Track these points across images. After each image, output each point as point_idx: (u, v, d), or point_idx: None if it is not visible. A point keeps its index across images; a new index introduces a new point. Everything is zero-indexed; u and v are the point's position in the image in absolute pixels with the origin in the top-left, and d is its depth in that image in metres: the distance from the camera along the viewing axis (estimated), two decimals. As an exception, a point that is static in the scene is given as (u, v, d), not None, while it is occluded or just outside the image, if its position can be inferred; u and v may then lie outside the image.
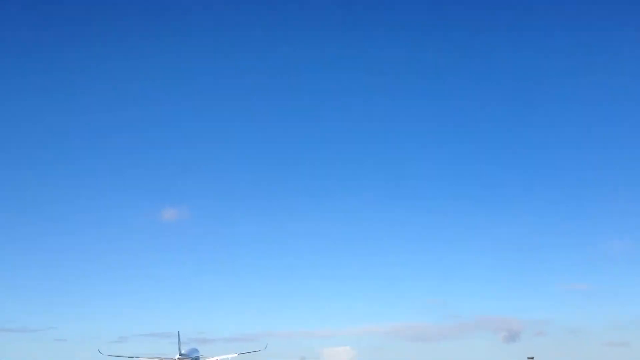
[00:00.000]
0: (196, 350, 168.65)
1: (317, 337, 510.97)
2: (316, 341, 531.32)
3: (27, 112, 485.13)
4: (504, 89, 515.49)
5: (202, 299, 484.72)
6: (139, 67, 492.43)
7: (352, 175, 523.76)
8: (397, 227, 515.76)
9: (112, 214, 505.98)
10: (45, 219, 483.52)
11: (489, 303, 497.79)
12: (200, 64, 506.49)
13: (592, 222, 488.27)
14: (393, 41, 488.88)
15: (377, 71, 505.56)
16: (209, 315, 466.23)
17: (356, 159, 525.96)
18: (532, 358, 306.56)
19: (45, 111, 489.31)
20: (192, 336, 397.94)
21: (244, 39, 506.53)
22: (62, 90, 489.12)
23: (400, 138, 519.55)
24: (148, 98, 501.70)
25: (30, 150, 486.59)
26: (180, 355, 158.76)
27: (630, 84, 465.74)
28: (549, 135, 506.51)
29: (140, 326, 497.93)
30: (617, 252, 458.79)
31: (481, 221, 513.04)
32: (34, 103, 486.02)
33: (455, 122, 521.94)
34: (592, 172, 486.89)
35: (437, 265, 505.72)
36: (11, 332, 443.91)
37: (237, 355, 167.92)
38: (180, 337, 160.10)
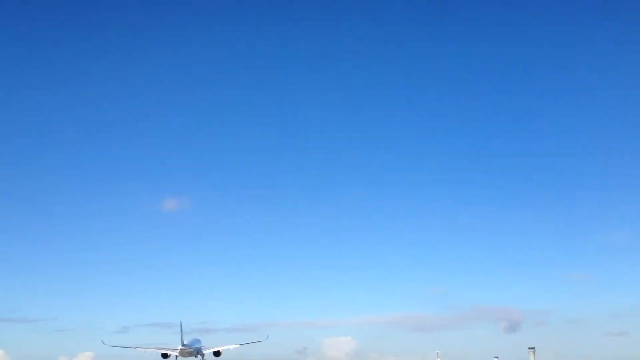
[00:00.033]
0: (198, 341, 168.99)
1: (318, 327, 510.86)
2: (317, 331, 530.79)
3: (31, 104, 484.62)
4: (505, 82, 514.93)
5: (204, 289, 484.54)
6: (142, 60, 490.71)
7: (353, 168, 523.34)
8: (397, 218, 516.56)
9: (113, 205, 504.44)
10: (47, 211, 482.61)
11: (490, 293, 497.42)
12: (201, 57, 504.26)
13: (592, 213, 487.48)
14: (391, 36, 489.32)
15: (378, 66, 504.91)
16: (211, 306, 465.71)
17: (356, 151, 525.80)
18: (533, 348, 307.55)
19: (49, 103, 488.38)
20: (194, 326, 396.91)
21: (245, 34, 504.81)
22: (65, 82, 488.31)
23: (400, 131, 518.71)
24: (149, 91, 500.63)
25: (32, 141, 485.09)
26: (182, 345, 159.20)
27: (631, 77, 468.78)
28: (549, 126, 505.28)
29: (142, 316, 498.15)
30: (617, 242, 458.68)
31: (482, 212, 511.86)
32: (39, 95, 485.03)
33: (455, 114, 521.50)
34: (592, 164, 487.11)
35: (437, 256, 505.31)
36: (13, 322, 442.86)
37: (238, 345, 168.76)
38: (182, 327, 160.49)
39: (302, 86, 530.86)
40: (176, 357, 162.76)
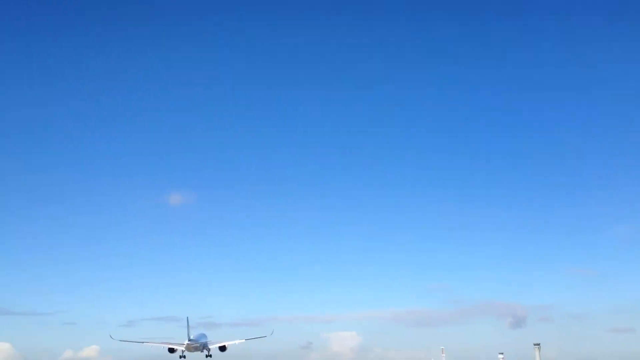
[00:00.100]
0: (204, 336, 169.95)
1: (322, 322, 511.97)
2: (321, 326, 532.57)
3: (37, 99, 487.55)
4: (507, 81, 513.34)
5: (208, 284, 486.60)
6: (145, 56, 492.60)
7: (355, 163, 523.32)
8: (401, 214, 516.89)
9: (118, 200, 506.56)
10: (53, 206, 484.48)
11: (494, 289, 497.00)
12: (204, 53, 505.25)
13: (597, 208, 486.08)
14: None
15: (383, 62, 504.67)
16: (215, 300, 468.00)
17: (358, 147, 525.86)
18: (538, 344, 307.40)
19: (55, 98, 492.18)
20: (198, 321, 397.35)
21: (249, 32, 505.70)
22: (69, 78, 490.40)
23: (403, 126, 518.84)
24: (155, 88, 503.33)
25: (35, 136, 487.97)
26: (189, 340, 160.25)
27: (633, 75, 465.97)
28: (553, 122, 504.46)
29: (147, 310, 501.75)
30: (622, 237, 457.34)
31: (486, 208, 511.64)
32: (43, 89, 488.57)
33: (461, 108, 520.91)
34: (597, 159, 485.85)
35: (442, 252, 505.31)
36: (19, 315, 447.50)
37: (244, 340, 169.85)
38: (189, 322, 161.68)
39: (303, 83, 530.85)
40: (182, 351, 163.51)
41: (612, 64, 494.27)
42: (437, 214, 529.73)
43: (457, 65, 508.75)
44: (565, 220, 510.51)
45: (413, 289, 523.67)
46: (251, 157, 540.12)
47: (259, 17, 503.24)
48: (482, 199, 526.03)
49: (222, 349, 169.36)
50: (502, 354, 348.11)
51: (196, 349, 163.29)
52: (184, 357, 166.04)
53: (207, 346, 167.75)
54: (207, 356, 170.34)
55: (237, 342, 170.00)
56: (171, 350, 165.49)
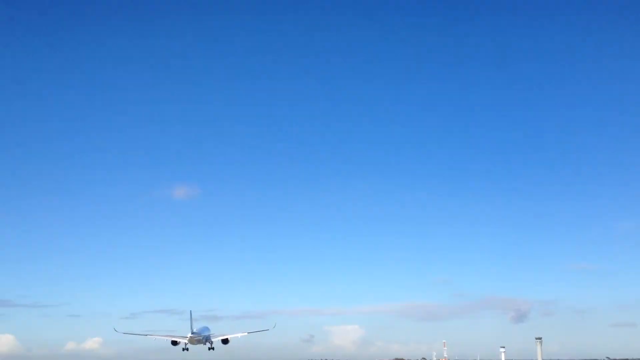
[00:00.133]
0: (207, 329, 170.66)
1: (325, 316, 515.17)
2: (324, 319, 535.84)
3: (40, 93, 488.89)
4: (511, 77, 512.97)
5: (211, 277, 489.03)
6: (150, 51, 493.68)
7: (361, 159, 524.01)
8: (405, 209, 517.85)
9: (123, 193, 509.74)
10: (58, 198, 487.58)
11: (497, 284, 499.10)
12: (211, 48, 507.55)
13: (601, 204, 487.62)
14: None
15: (388, 56, 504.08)
16: (218, 293, 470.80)
17: (361, 143, 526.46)
18: (540, 338, 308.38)
19: (64, 88, 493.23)
20: (201, 313, 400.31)
21: (250, 24, 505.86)
22: (74, 69, 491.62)
23: (408, 122, 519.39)
24: (159, 82, 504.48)
25: (41, 128, 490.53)
26: (192, 333, 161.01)
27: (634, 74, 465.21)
28: (558, 118, 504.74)
29: (150, 303, 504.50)
30: (625, 233, 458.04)
31: (489, 203, 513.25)
32: (55, 79, 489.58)
33: (464, 104, 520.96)
34: (601, 155, 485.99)
35: (445, 246, 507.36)
36: (23, 307, 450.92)
37: (246, 333, 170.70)
38: (192, 315, 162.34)
39: (311, 80, 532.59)
40: (185, 344, 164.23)
41: (618, 65, 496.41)
42: (440, 210, 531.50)
43: (460, 62, 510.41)
44: (569, 217, 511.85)
45: (416, 284, 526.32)
46: (255, 151, 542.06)
47: (261, 13, 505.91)
48: (486, 195, 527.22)
49: (225, 341, 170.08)
50: (503, 347, 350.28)
51: (199, 341, 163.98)
52: (187, 349, 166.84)
53: (209, 339, 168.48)
54: (209, 349, 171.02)
55: (239, 335, 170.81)
56: (174, 343, 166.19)
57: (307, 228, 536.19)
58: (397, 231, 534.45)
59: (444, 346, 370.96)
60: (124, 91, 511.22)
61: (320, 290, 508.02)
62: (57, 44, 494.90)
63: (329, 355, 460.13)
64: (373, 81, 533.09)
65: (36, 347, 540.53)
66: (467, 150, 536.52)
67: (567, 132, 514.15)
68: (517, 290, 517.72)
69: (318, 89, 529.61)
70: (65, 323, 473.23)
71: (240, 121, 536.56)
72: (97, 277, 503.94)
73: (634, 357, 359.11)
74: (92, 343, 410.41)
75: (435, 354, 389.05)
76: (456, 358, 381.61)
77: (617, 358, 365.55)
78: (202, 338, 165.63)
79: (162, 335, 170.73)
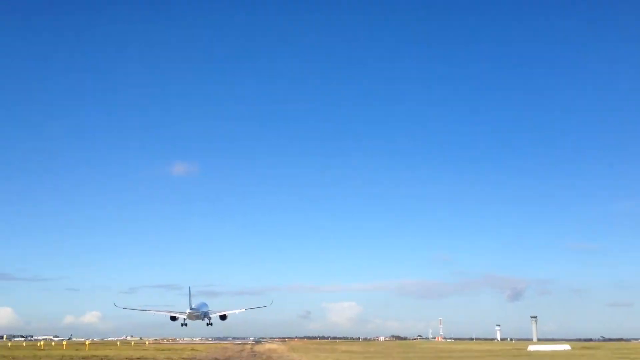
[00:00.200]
0: (205, 305, 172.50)
1: (323, 292, 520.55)
2: (322, 296, 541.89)
3: (38, 71, 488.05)
4: (510, 60, 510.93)
5: (210, 253, 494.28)
6: (150, 28, 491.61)
7: (360, 135, 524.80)
8: (405, 186, 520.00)
9: (122, 168, 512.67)
10: (58, 173, 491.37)
11: (494, 262, 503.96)
12: (211, 26, 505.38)
13: (599, 183, 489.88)
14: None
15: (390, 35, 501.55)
16: (216, 269, 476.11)
17: (360, 119, 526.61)
18: (535, 317, 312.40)
19: (63, 70, 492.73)
20: (199, 289, 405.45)
21: (249, 4, 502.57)
22: (81, 46, 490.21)
23: (408, 99, 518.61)
24: (159, 58, 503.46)
25: (41, 105, 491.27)
26: (191, 309, 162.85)
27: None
28: (559, 99, 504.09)
29: (149, 278, 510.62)
30: (624, 213, 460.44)
31: (488, 181, 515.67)
32: (57, 63, 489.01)
33: (466, 84, 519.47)
34: (601, 134, 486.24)
35: (443, 224, 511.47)
36: (22, 280, 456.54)
37: (244, 310, 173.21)
38: (190, 291, 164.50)
39: (305, 55, 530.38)
40: (184, 319, 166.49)
41: (615, 48, 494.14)
42: (439, 187, 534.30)
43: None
44: (567, 196, 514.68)
45: (413, 262, 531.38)
46: (254, 127, 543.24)
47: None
48: (484, 174, 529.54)
49: (223, 317, 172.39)
50: (499, 326, 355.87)
51: (197, 317, 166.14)
52: (186, 325, 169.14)
53: (208, 315, 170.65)
54: (208, 324, 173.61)
55: (237, 311, 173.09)
56: (173, 319, 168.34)
57: (305, 205, 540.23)
58: (395, 209, 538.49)
59: (440, 324, 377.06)
60: (123, 68, 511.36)
61: (317, 267, 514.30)
62: (57, 18, 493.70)
63: (326, 331, 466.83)
64: (369, 58, 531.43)
65: (35, 320, 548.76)
66: (467, 129, 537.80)
67: (566, 111, 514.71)
68: (514, 268, 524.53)
69: (318, 70, 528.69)
70: (64, 297, 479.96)
71: (239, 98, 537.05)
72: (96, 252, 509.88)
73: (630, 337, 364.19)
74: (91, 317, 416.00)
75: (431, 331, 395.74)
76: (452, 336, 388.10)
77: (613, 338, 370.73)
78: (200, 314, 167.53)
79: (161, 311, 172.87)
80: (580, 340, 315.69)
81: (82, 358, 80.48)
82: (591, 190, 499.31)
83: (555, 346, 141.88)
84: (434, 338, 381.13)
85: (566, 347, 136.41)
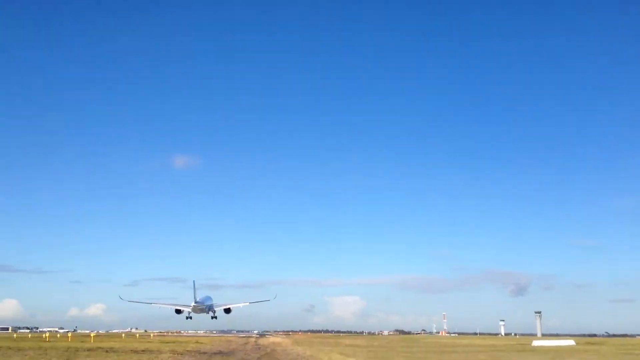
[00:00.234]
0: (210, 298, 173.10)
1: (327, 287, 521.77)
2: (325, 290, 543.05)
3: (44, 62, 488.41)
4: (517, 54, 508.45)
5: (213, 246, 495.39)
6: (154, 21, 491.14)
7: (362, 130, 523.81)
8: (407, 181, 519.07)
9: (125, 161, 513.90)
10: (62, 165, 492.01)
11: (497, 257, 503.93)
12: (213, 17, 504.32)
13: (602, 180, 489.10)
14: None
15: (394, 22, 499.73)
16: (220, 262, 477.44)
17: (363, 113, 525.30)
18: (540, 312, 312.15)
19: (67, 62, 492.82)
20: (202, 282, 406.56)
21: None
22: (84, 39, 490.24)
23: (412, 93, 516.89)
24: (163, 51, 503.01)
25: (45, 97, 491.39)
26: (195, 302, 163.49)
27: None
28: (559, 95, 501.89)
29: (152, 271, 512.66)
30: (625, 210, 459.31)
31: (490, 177, 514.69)
32: (58, 54, 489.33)
33: (467, 82, 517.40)
34: (603, 130, 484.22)
35: (446, 220, 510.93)
36: (27, 273, 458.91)
37: (248, 303, 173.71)
38: (195, 285, 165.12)
39: (312, 51, 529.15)
40: (189, 312, 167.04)
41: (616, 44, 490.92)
42: (441, 183, 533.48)
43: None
44: (570, 191, 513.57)
45: (417, 257, 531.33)
46: (257, 121, 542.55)
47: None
48: (487, 169, 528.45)
49: (227, 311, 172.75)
50: (503, 321, 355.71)
51: (202, 310, 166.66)
52: (191, 318, 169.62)
53: (212, 308, 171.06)
54: (212, 317, 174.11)
55: (241, 305, 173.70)
56: (178, 312, 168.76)
57: (308, 199, 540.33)
58: (398, 204, 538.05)
59: (444, 319, 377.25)
60: (124, 61, 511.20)
61: (321, 262, 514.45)
62: (57, 8, 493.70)
63: (329, 325, 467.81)
64: (369, 49, 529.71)
65: (40, 312, 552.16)
66: (469, 125, 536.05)
67: (568, 107, 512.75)
68: (517, 264, 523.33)
69: (320, 62, 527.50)
70: (69, 289, 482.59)
71: (241, 91, 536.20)
72: (99, 245, 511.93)
73: (633, 333, 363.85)
74: (95, 309, 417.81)
75: (435, 326, 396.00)
76: (456, 330, 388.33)
77: (617, 333, 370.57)
78: (205, 307, 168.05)
79: (166, 304, 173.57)
80: (584, 335, 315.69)
81: (88, 350, 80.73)
82: (594, 186, 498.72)
83: (559, 341, 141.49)
84: (438, 333, 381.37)
85: (571, 342, 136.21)
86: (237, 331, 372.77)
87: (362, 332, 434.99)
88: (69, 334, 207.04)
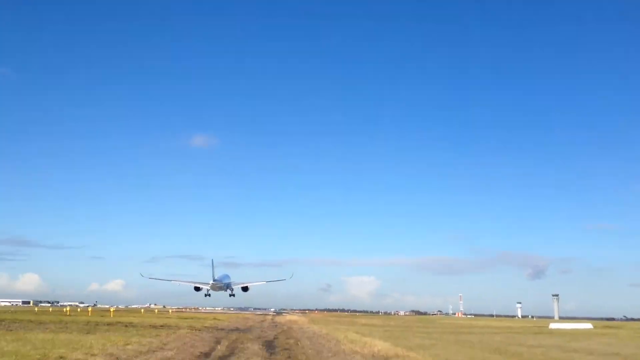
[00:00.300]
0: (228, 276, 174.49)
1: (343, 266, 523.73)
2: (342, 270, 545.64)
3: (62, 47, 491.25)
4: (524, 42, 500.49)
5: (231, 225, 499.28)
6: (174, 5, 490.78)
7: (380, 115, 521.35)
8: (424, 164, 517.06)
9: (145, 140, 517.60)
10: (82, 144, 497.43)
11: (515, 240, 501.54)
12: (232, 5, 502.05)
13: (623, 164, 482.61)
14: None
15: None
16: (238, 241, 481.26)
17: (382, 101, 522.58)
18: (557, 295, 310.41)
19: (86, 42, 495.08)
20: (220, 260, 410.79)
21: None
22: (108, 21, 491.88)
23: (424, 79, 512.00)
24: (181, 33, 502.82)
25: (64, 77, 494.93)
26: (214, 280, 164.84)
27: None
28: (579, 79, 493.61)
29: (171, 248, 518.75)
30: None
31: (510, 160, 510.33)
32: (81, 33, 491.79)
33: (479, 66, 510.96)
34: (624, 115, 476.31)
35: (463, 201, 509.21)
36: (49, 248, 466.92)
37: (265, 282, 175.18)
38: (213, 263, 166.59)
39: (324, 35, 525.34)
40: (208, 290, 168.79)
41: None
42: (461, 165, 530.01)
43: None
44: (591, 175, 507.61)
45: (434, 238, 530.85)
46: (276, 102, 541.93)
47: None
48: (506, 153, 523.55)
49: (245, 289, 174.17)
50: (520, 303, 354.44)
51: (220, 288, 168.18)
52: (209, 295, 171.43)
53: (230, 286, 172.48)
54: (230, 295, 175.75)
55: (258, 283, 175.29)
56: (197, 289, 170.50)
57: (326, 180, 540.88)
58: (416, 185, 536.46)
59: (460, 300, 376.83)
60: (146, 41, 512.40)
61: (338, 241, 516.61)
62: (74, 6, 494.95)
63: (345, 304, 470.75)
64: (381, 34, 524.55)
65: (60, 287, 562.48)
66: (484, 108, 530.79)
67: (587, 91, 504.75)
68: (535, 247, 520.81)
69: (333, 44, 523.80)
70: (89, 265, 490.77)
71: (259, 71, 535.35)
72: (121, 221, 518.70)
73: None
74: (115, 285, 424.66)
75: (451, 307, 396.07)
76: (472, 312, 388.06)
77: (635, 317, 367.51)
78: (223, 285, 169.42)
79: (185, 281, 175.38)
80: (602, 319, 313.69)
81: (107, 324, 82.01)
82: (613, 170, 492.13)
83: (577, 324, 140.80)
84: (454, 314, 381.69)
85: (588, 325, 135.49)
86: (254, 309, 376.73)
87: (377, 312, 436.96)
88: (89, 309, 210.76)
